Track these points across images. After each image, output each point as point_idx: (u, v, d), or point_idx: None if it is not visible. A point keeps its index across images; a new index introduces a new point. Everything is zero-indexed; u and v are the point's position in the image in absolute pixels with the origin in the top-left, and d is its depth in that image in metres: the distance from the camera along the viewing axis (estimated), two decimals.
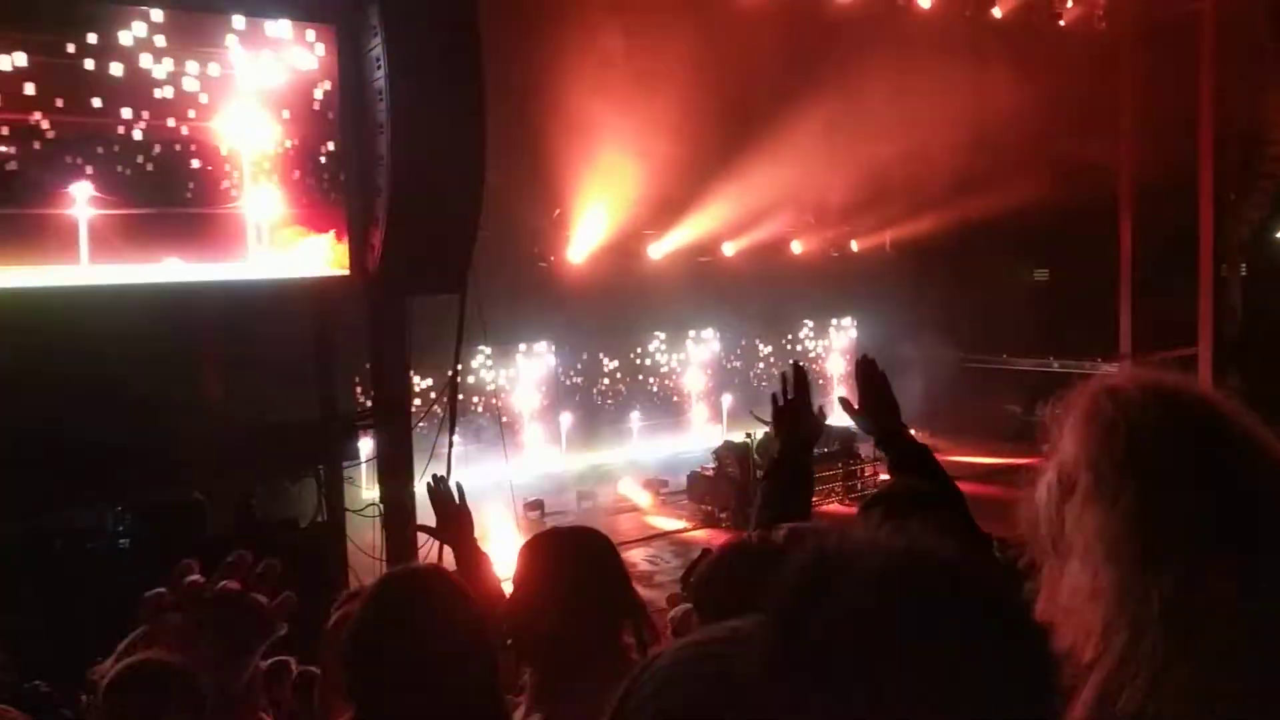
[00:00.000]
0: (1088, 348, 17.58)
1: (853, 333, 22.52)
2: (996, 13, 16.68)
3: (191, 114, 8.31)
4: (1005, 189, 16.44)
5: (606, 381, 19.50)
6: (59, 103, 7.79)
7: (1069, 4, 17.89)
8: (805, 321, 21.88)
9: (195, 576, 1.31)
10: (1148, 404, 1.23)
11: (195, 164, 8.33)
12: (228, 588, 1.31)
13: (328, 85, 8.81)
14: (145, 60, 8.10)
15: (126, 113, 8.04)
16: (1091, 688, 1.14)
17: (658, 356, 20.08)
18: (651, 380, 20.00)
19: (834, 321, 22.29)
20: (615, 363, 19.58)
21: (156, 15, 8.11)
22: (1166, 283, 18.85)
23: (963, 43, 16.10)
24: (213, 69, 8.38)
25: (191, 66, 8.29)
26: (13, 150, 7.62)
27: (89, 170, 7.89)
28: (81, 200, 7.86)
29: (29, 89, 7.68)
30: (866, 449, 17.64)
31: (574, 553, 2.27)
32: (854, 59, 15.01)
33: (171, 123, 8.23)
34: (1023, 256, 21.59)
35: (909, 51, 15.44)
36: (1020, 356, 20.34)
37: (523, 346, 17.96)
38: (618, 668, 2.07)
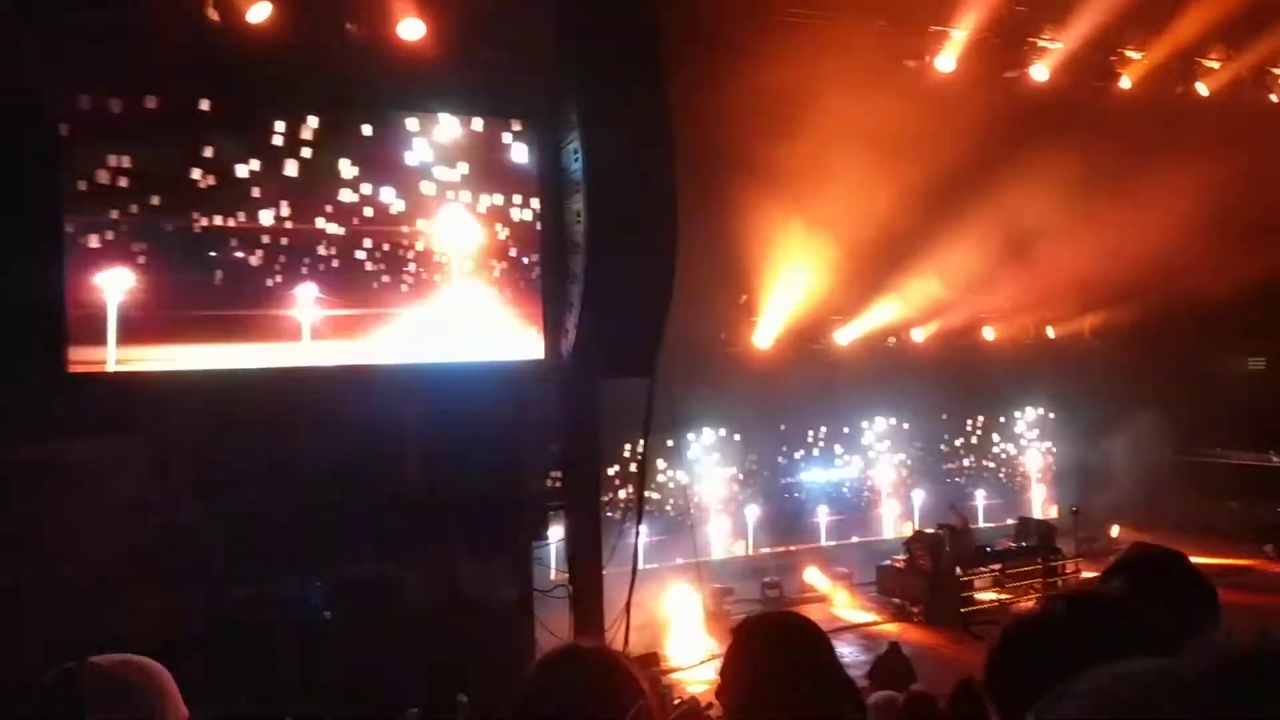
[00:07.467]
0: None
1: (1050, 424, 21.59)
2: (1203, 89, 15.97)
3: (397, 213, 8.81)
4: (1215, 274, 15.61)
5: (796, 471, 19.20)
6: (284, 208, 8.41)
7: None
8: (993, 413, 21.02)
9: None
10: None
11: (410, 266, 8.83)
12: None
13: (527, 177, 9.20)
14: (354, 166, 8.68)
15: (345, 218, 8.61)
16: None
17: (846, 447, 19.68)
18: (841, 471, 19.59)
19: (1029, 412, 21.39)
20: (801, 452, 19.29)
21: (366, 130, 8.75)
22: None
23: (1168, 121, 15.48)
24: (421, 170, 8.88)
25: (396, 173, 8.83)
26: (242, 254, 8.25)
27: (313, 272, 8.47)
28: (305, 300, 8.42)
29: (255, 193, 8.32)
30: (1068, 546, 16.82)
31: (790, 636, 2.31)
32: (1052, 140, 14.65)
33: (373, 226, 8.74)
34: (1236, 344, 20.38)
35: (1111, 131, 14.96)
36: (1237, 450, 19.14)
37: (708, 433, 17.94)
38: None
